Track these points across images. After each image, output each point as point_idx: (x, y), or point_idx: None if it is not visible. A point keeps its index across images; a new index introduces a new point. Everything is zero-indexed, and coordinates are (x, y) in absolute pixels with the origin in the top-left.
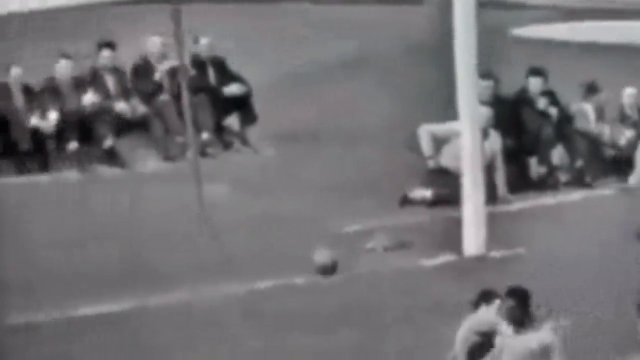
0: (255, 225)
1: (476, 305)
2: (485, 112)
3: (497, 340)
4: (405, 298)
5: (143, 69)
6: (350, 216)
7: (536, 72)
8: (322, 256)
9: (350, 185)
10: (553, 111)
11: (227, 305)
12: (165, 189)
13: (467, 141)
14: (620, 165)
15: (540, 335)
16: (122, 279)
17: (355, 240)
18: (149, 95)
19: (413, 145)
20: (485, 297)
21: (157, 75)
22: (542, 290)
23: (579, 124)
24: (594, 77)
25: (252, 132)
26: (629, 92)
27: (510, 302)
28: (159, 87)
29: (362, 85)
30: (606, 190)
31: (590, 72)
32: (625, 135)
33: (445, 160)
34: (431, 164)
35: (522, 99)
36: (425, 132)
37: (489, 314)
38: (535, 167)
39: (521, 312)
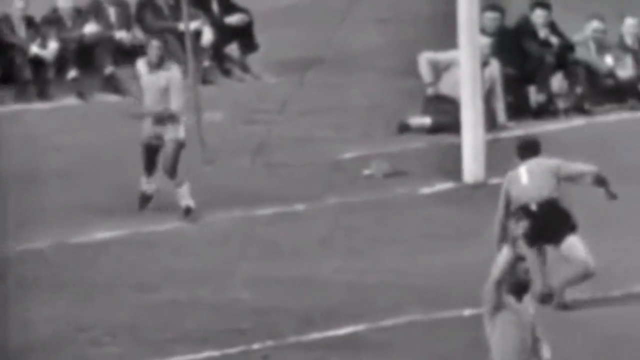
0: (251, 150)
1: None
2: (486, 41)
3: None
4: (404, 224)
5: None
6: (350, 142)
7: (540, 3)
8: None
9: (349, 112)
10: (554, 40)
11: (225, 229)
12: None
13: (467, 69)
14: (619, 94)
15: None
16: (120, 204)
17: (354, 166)
18: (151, 25)
19: (413, 72)
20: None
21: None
22: None
23: (580, 53)
24: (596, 8)
25: (254, 60)
26: (629, 22)
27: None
28: (161, 16)
29: (364, 14)
30: (605, 117)
31: (592, 3)
32: (625, 65)
33: (445, 87)
34: (430, 91)
35: (524, 29)
36: (425, 59)
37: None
38: (534, 95)
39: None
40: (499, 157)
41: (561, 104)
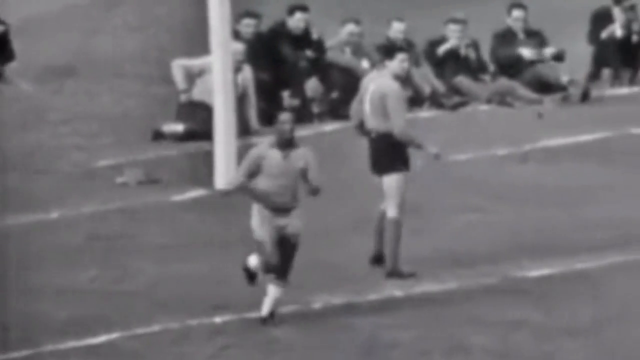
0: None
1: None
2: (239, 47)
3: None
4: (158, 232)
5: None
6: (103, 150)
7: (300, 8)
8: None
9: (103, 120)
10: (310, 44)
11: None
12: None
13: (219, 76)
14: None
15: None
16: None
17: (108, 175)
18: None
19: (167, 79)
20: None
21: None
22: None
23: (333, 57)
24: (357, 11)
25: (11, 69)
26: (396, 27)
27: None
28: None
29: (118, 22)
30: None
31: (354, 5)
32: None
33: (199, 94)
34: (184, 98)
35: (279, 34)
36: (179, 66)
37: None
38: (288, 100)
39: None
40: None
41: (316, 108)
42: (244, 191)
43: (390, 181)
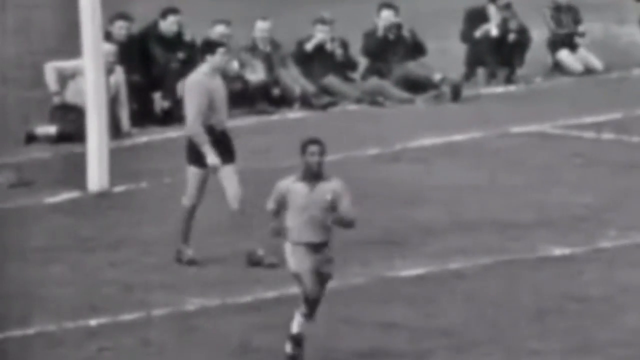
0: None
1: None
2: (111, 48)
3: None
4: (29, 235)
5: None
6: None
7: (172, 11)
8: None
9: None
10: (182, 45)
11: None
12: None
13: (91, 77)
14: (249, 98)
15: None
16: None
17: None
18: None
19: (40, 82)
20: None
21: None
22: (170, 222)
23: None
24: (224, 12)
25: None
26: (260, 26)
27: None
28: None
29: None
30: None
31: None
32: (256, 69)
33: (71, 96)
34: (56, 100)
35: (151, 35)
36: (51, 68)
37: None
38: (159, 101)
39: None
40: (124, 165)
41: None
42: (277, 231)
43: (188, 173)
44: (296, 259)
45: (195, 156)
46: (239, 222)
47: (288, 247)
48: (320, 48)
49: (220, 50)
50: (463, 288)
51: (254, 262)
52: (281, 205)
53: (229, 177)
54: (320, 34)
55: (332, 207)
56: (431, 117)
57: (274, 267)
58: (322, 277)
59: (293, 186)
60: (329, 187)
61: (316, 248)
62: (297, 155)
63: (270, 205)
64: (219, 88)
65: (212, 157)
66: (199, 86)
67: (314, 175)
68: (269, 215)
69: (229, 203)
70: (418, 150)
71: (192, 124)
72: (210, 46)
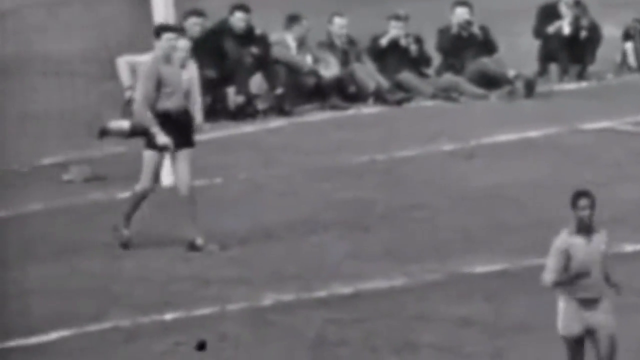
0: None
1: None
2: (184, 43)
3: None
4: (103, 229)
5: None
6: (49, 147)
7: (240, 7)
8: None
9: (49, 118)
10: (254, 40)
11: None
12: None
13: None
14: (322, 93)
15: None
16: None
17: (54, 172)
18: None
19: (113, 76)
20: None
21: None
22: (245, 217)
23: (278, 53)
24: (299, 7)
25: None
26: (337, 22)
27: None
28: None
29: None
30: (307, 117)
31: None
32: (330, 64)
33: None
34: (129, 94)
35: (223, 30)
36: (124, 62)
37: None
38: (233, 96)
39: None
40: (197, 160)
41: (260, 105)
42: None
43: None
44: (569, 319)
45: (150, 139)
46: (186, 210)
47: (562, 302)
48: (394, 44)
49: (166, 35)
50: (537, 284)
51: (194, 249)
52: (565, 263)
53: (182, 163)
54: (394, 30)
55: (604, 258)
56: (505, 113)
57: (212, 254)
58: (601, 344)
59: (572, 241)
60: (602, 239)
61: (592, 304)
62: (371, 153)
63: (550, 276)
64: (175, 73)
65: (161, 137)
66: (147, 70)
67: (587, 229)
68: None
69: (178, 189)
70: (492, 146)
71: (138, 107)
72: (157, 32)
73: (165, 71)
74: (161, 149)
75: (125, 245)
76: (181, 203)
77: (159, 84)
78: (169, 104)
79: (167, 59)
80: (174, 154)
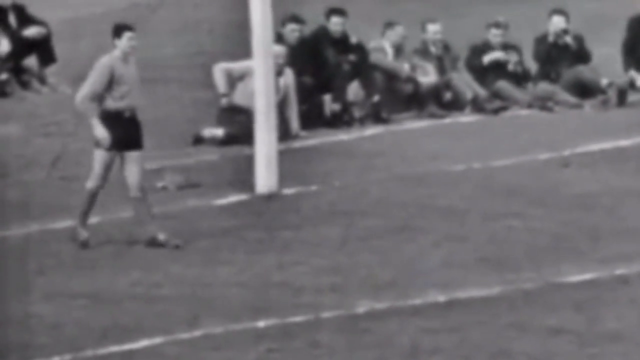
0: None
1: None
2: (281, 50)
3: None
4: (197, 237)
5: None
6: (143, 154)
7: (337, 11)
8: None
9: (143, 123)
10: (351, 47)
11: (21, 244)
12: None
13: (261, 79)
14: (419, 101)
15: None
16: None
17: (148, 179)
18: None
19: (208, 83)
20: None
21: None
22: (340, 224)
23: (376, 59)
24: (395, 13)
25: (51, 72)
26: (432, 28)
27: None
28: None
29: (158, 25)
30: (403, 125)
31: (392, 8)
32: (427, 72)
33: (239, 98)
34: (225, 102)
35: (322, 37)
36: (220, 69)
37: None
38: (329, 104)
39: None
40: (292, 167)
41: (357, 112)
42: None
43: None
44: None
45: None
46: (139, 210)
47: None
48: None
49: (127, 34)
50: (628, 293)
51: (156, 245)
52: None
53: (131, 164)
54: (494, 42)
55: None
56: (598, 122)
57: (178, 248)
58: None
59: None
60: None
61: None
62: (467, 161)
63: None
64: (131, 74)
65: (99, 130)
66: (102, 67)
67: None
68: None
69: (129, 190)
70: (585, 155)
71: (80, 98)
72: (117, 30)
73: (121, 70)
74: (96, 144)
75: (84, 244)
76: (133, 205)
77: (112, 83)
78: (121, 104)
79: (125, 58)
80: (122, 155)
